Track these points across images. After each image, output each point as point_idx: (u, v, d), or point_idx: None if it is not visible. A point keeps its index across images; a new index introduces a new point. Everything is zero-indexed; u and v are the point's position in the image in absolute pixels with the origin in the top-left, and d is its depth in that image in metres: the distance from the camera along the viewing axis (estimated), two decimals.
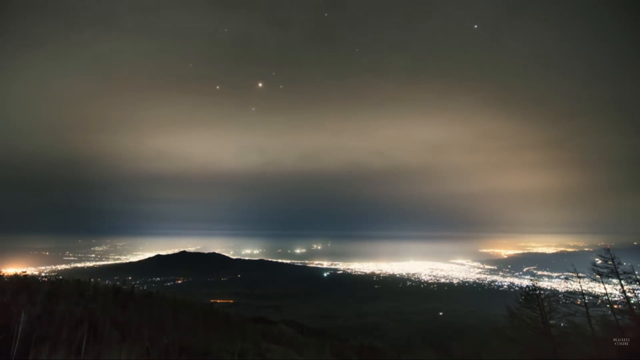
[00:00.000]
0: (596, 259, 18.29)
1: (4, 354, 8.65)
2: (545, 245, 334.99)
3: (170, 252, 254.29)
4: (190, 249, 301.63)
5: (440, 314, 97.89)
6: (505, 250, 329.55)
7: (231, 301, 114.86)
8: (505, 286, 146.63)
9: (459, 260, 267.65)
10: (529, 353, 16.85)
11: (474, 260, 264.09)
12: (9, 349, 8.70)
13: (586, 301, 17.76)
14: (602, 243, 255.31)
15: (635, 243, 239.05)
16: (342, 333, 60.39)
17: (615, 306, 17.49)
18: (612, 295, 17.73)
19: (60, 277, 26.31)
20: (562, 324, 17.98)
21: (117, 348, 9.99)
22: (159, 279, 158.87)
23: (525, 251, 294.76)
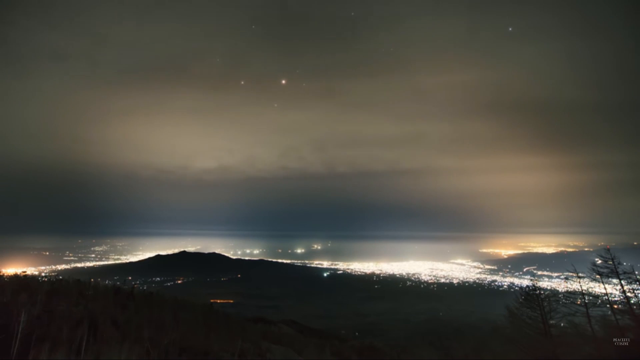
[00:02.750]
0: (596, 259, 18.27)
1: (4, 354, 8.63)
2: (545, 245, 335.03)
3: (170, 252, 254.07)
4: (190, 249, 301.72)
5: (440, 314, 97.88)
6: (505, 250, 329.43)
7: (231, 301, 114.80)
8: (505, 286, 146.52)
9: (459, 260, 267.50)
10: (529, 353, 16.82)
11: (474, 260, 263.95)
12: (9, 349, 8.68)
13: (586, 301, 17.74)
14: (602, 243, 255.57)
15: (635, 243, 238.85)
16: (342, 333, 60.38)
17: (615, 306, 17.47)
18: (612, 295, 17.71)
19: (60, 277, 26.25)
20: (562, 324, 17.95)
21: (117, 348, 9.98)
22: (159, 279, 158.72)
23: (525, 251, 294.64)
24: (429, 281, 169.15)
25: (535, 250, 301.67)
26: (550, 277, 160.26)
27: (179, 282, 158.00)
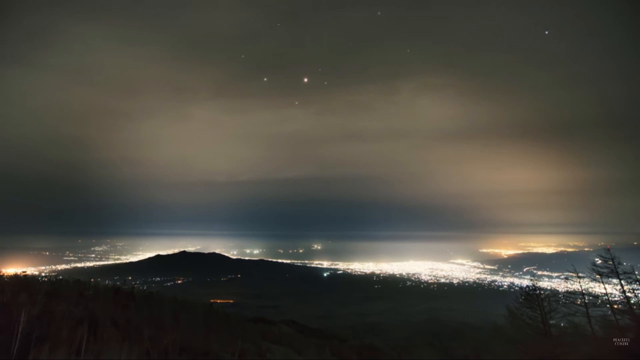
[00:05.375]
0: (596, 259, 18.27)
1: (4, 354, 8.62)
2: (545, 245, 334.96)
3: (170, 252, 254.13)
4: (190, 249, 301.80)
5: (441, 314, 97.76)
6: (505, 250, 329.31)
7: (231, 301, 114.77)
8: (505, 286, 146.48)
9: (459, 260, 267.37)
10: (529, 353, 16.81)
11: (474, 260, 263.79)
12: (9, 349, 8.67)
13: (586, 301, 17.75)
14: (602, 243, 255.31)
15: (635, 243, 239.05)
16: (342, 333, 60.25)
17: (615, 306, 17.46)
18: (612, 295, 17.71)
19: (60, 277, 26.23)
20: (562, 324, 17.94)
21: (117, 348, 9.97)
22: (159, 279, 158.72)
23: (525, 251, 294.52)
24: (429, 281, 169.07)
25: (535, 250, 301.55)
26: (550, 277, 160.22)
27: (179, 282, 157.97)
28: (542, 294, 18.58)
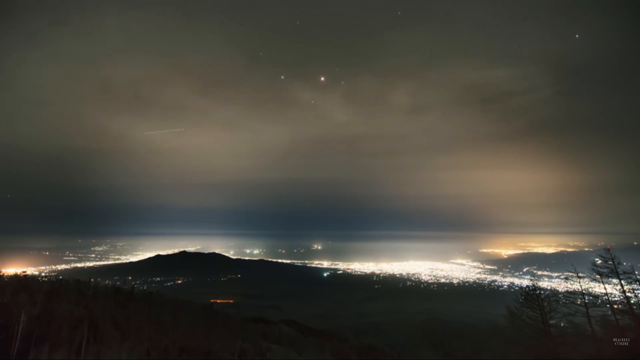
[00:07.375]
0: (596, 259, 18.29)
1: (4, 354, 8.63)
2: (545, 245, 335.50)
3: (170, 252, 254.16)
4: (190, 249, 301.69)
5: (441, 314, 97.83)
6: (505, 250, 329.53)
7: (231, 301, 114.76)
8: (505, 286, 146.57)
9: (459, 260, 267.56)
10: (529, 353, 16.83)
11: (474, 260, 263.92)
12: (9, 349, 8.68)
13: (586, 301, 17.76)
14: (602, 243, 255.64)
15: (635, 243, 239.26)
16: (342, 333, 60.32)
17: (615, 306, 17.49)
18: (612, 295, 17.73)
19: (60, 277, 26.29)
20: (562, 324, 17.97)
21: (117, 348, 9.98)
22: (159, 279, 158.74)
23: (525, 251, 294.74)
24: (429, 281, 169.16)
25: (535, 250, 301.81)
26: (550, 277, 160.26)
27: (179, 282, 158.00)
28: (542, 294, 18.62)
